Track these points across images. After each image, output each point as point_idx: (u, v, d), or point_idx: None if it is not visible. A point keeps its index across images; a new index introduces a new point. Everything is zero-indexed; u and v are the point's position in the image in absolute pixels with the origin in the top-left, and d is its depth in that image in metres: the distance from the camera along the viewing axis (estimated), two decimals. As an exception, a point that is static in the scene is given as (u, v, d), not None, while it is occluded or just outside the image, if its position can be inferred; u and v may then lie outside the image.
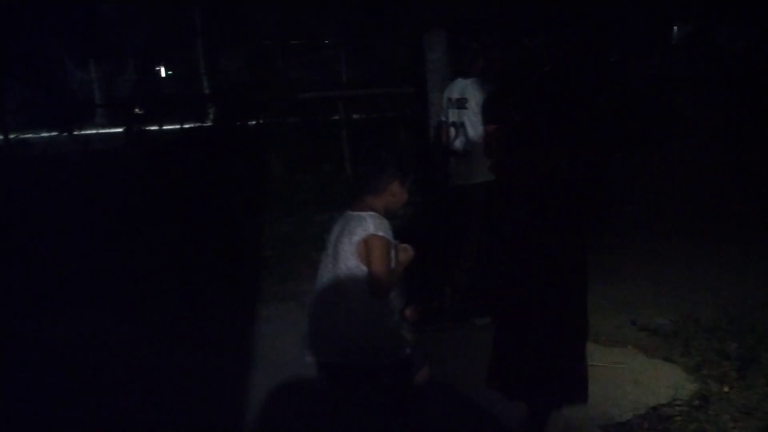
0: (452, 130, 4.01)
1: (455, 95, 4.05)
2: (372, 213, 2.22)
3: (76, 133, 8.52)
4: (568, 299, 2.32)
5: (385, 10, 8.29)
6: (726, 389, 2.90)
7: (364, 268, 2.17)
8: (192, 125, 8.08)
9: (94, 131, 9.82)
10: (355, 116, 8.39)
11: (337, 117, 7.92)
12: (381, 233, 2.17)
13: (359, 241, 2.18)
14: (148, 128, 7.96)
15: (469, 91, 3.94)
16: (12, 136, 8.56)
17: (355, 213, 2.25)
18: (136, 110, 8.65)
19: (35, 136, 9.27)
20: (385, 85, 8.31)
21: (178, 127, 7.90)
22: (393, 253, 2.22)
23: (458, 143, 3.94)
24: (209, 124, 8.03)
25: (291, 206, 6.27)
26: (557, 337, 2.31)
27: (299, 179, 6.84)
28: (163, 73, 15.68)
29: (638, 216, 5.94)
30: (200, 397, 3.11)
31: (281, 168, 7.37)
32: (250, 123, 7.75)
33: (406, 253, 2.29)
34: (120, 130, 8.11)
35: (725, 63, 7.56)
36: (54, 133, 8.78)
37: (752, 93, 6.87)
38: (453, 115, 4.03)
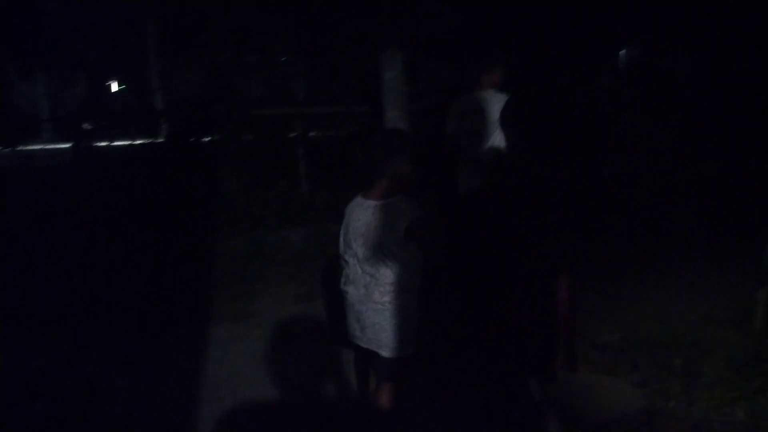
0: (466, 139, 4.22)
1: (471, 106, 4.18)
2: (400, 197, 2.29)
3: (20, 148, 8.19)
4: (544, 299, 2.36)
5: (342, 29, 8.35)
6: (671, 404, 2.97)
7: (408, 254, 2.25)
8: (144, 141, 7.89)
9: (39, 147, 9.48)
10: (311, 134, 8.37)
11: (293, 134, 7.88)
12: (421, 214, 2.25)
13: (405, 228, 2.22)
14: (97, 144, 7.72)
15: (485, 102, 4.05)
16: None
17: (381, 202, 2.29)
18: (85, 125, 8.39)
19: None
20: (341, 103, 8.32)
21: (128, 143, 7.69)
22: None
23: (473, 151, 4.09)
24: (162, 140, 7.86)
25: (244, 224, 6.17)
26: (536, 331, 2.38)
27: (254, 196, 6.74)
28: (115, 87, 15.30)
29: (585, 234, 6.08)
30: (146, 420, 3.00)
31: (236, 185, 7.26)
32: (204, 139, 7.63)
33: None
34: (67, 145, 7.85)
35: (669, 86, 7.87)
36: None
37: (695, 115, 7.17)
38: (467, 125, 4.20)
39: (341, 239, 2.44)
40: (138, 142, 7.94)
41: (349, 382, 3.31)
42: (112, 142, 7.78)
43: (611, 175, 6.76)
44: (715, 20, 7.87)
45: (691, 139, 6.96)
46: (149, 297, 4.74)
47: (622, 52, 9.81)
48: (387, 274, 2.28)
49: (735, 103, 7.11)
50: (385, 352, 2.36)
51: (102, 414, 3.08)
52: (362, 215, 2.31)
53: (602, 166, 6.96)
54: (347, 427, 2.95)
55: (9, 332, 4.11)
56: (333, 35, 8.63)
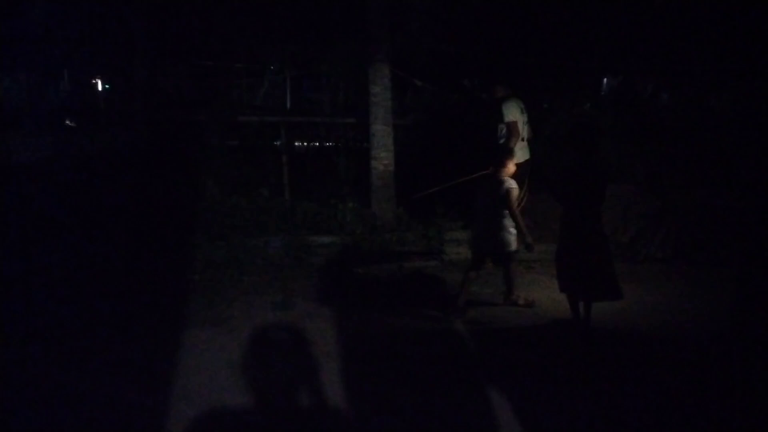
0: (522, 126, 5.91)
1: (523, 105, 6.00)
2: (508, 178, 4.65)
3: (2, 143, 8.08)
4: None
5: (331, 42, 8.41)
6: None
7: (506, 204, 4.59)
8: (126, 141, 7.84)
9: (23, 141, 9.35)
10: (295, 143, 8.41)
11: (277, 142, 7.91)
12: (514, 186, 4.60)
13: (504, 191, 4.56)
14: (79, 141, 7.66)
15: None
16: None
17: (498, 178, 4.64)
18: (68, 122, 8.32)
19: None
20: (327, 114, 8.38)
21: (110, 142, 7.65)
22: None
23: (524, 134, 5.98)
24: (144, 140, 7.82)
25: (224, 230, 6.15)
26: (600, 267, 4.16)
27: (235, 203, 6.73)
28: (100, 87, 15.15)
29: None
30: (118, 424, 2.97)
31: (217, 190, 7.24)
32: (187, 143, 7.60)
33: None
34: (49, 141, 7.78)
35: (648, 114, 8.08)
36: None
37: (673, 143, 7.36)
38: (525, 117, 5.98)
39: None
40: (119, 142, 7.90)
41: (321, 391, 3.33)
42: (93, 140, 7.73)
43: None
44: (696, 51, 8.12)
45: (670, 165, 7.15)
46: (124, 299, 4.71)
47: (605, 80, 10.04)
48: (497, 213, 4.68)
49: (713, 131, 7.33)
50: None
51: (70, 416, 3.04)
52: (487, 185, 4.74)
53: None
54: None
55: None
56: (322, 48, 8.69)
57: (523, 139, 5.91)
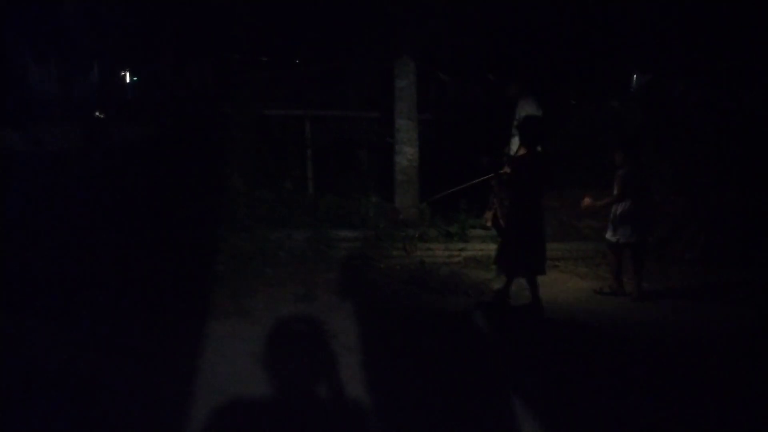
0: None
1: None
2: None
3: (32, 132, 8.24)
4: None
5: (357, 36, 8.39)
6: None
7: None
8: (152, 133, 7.93)
9: (52, 131, 9.52)
10: (320, 137, 8.40)
11: (302, 135, 7.91)
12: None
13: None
14: (107, 133, 7.78)
15: None
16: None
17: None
18: (97, 114, 8.45)
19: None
20: (351, 108, 8.36)
21: (138, 133, 7.75)
22: None
23: None
24: (170, 133, 7.90)
25: (248, 222, 6.19)
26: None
27: (259, 195, 6.76)
28: (128, 79, 15.36)
29: (588, 252, 6.15)
30: (141, 413, 3.01)
31: (241, 183, 7.29)
32: (212, 135, 7.66)
33: None
34: (78, 131, 7.90)
35: (678, 113, 7.91)
36: (6, 130, 8.47)
37: (703, 142, 7.21)
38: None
39: None
40: (146, 134, 7.99)
41: (342, 384, 3.33)
42: (121, 131, 7.83)
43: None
44: (726, 47, 7.94)
45: (699, 165, 7.01)
46: (149, 289, 4.75)
47: (634, 77, 9.86)
48: None
49: (744, 131, 7.16)
50: None
51: (98, 407, 3.07)
52: None
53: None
54: (338, 428, 2.96)
55: (8, 321, 4.14)
56: (347, 42, 8.68)
57: None
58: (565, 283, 5.44)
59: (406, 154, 6.94)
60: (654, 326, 4.43)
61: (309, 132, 7.74)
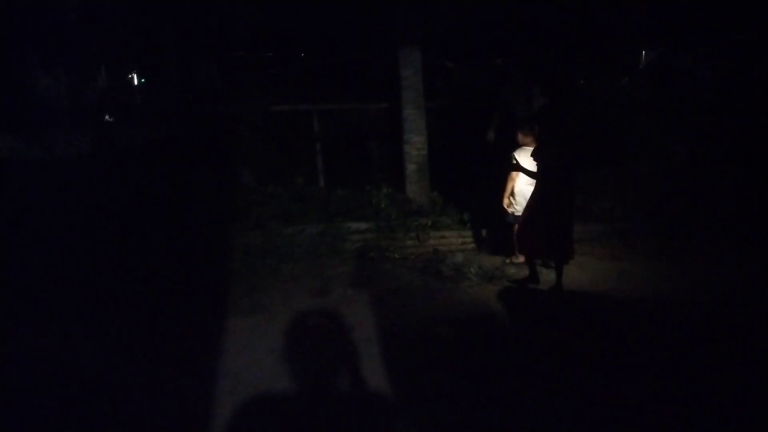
0: None
1: None
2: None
3: (41, 140, 8.30)
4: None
5: (361, 26, 8.35)
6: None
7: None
8: (162, 135, 7.96)
9: (62, 138, 9.59)
10: (328, 130, 8.40)
11: (311, 130, 7.92)
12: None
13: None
14: (117, 137, 7.82)
15: None
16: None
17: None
18: (107, 117, 8.49)
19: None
20: (358, 100, 8.35)
21: (149, 135, 7.78)
22: None
23: None
24: (180, 133, 7.92)
25: (260, 218, 6.21)
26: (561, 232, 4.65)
27: (270, 191, 6.79)
28: (136, 81, 15.38)
29: (602, 234, 6.12)
30: (164, 412, 3.04)
31: (252, 179, 7.32)
32: (221, 133, 7.69)
33: None
34: (88, 136, 7.94)
35: (688, 89, 7.80)
36: (18, 138, 8.53)
37: (713, 118, 7.11)
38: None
39: None
40: (156, 135, 8.02)
41: (361, 376, 3.34)
42: (131, 134, 7.87)
43: (620, 175, 6.76)
44: (735, 23, 7.80)
45: (710, 142, 6.92)
46: (166, 288, 4.80)
47: (643, 54, 9.73)
48: None
49: (756, 106, 7.05)
50: None
51: (120, 405, 3.12)
52: None
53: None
54: (362, 420, 2.97)
55: (35, 321, 4.19)
56: (352, 33, 8.64)
57: None
58: (582, 265, 5.41)
59: (415, 143, 6.92)
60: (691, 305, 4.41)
61: (317, 126, 7.75)
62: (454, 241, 6.10)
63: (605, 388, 3.14)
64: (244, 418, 2.97)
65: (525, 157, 4.86)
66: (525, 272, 5.00)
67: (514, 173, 5.04)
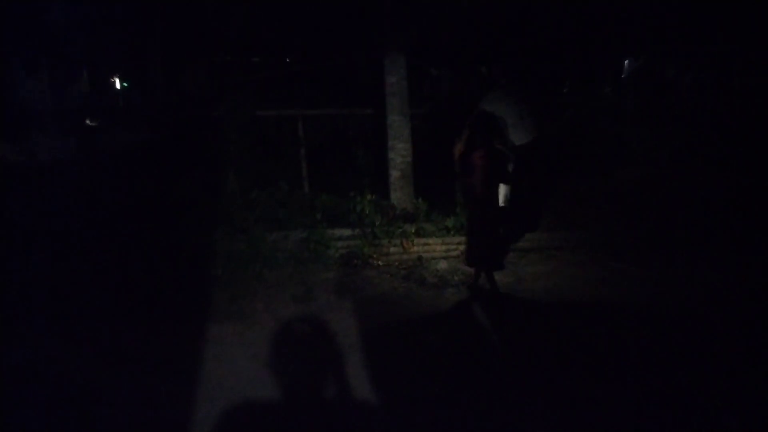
0: None
1: None
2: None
3: (24, 144, 8.22)
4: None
5: (347, 33, 8.38)
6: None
7: None
8: (145, 138, 7.92)
9: (42, 141, 9.50)
10: (313, 135, 8.39)
11: (295, 135, 7.90)
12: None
13: None
14: (99, 140, 7.76)
15: None
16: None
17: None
18: (88, 121, 8.43)
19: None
20: (344, 106, 8.35)
21: (130, 139, 7.73)
22: None
23: None
24: (164, 137, 7.88)
25: (244, 224, 6.18)
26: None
27: (255, 197, 6.75)
28: (118, 85, 15.29)
29: (587, 241, 6.15)
30: (144, 419, 3.01)
31: (237, 185, 7.27)
32: (206, 138, 7.65)
33: None
34: (70, 140, 7.88)
35: (671, 97, 7.92)
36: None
37: (696, 126, 7.21)
38: None
39: None
40: (139, 140, 7.97)
41: (345, 382, 3.33)
42: (114, 138, 7.81)
43: (606, 182, 6.82)
44: (718, 32, 7.93)
45: (693, 149, 7.01)
46: (147, 294, 4.76)
47: (626, 62, 9.86)
48: None
49: (739, 113, 7.16)
50: None
51: (99, 410, 3.09)
52: None
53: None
54: (345, 427, 2.96)
55: (10, 328, 4.13)
56: (338, 39, 8.66)
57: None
58: (563, 273, 5.44)
59: (400, 150, 6.93)
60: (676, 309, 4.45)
61: (302, 131, 7.73)
62: (438, 248, 6.11)
63: (587, 392, 3.16)
64: (225, 424, 2.95)
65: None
66: (505, 279, 5.03)
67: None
